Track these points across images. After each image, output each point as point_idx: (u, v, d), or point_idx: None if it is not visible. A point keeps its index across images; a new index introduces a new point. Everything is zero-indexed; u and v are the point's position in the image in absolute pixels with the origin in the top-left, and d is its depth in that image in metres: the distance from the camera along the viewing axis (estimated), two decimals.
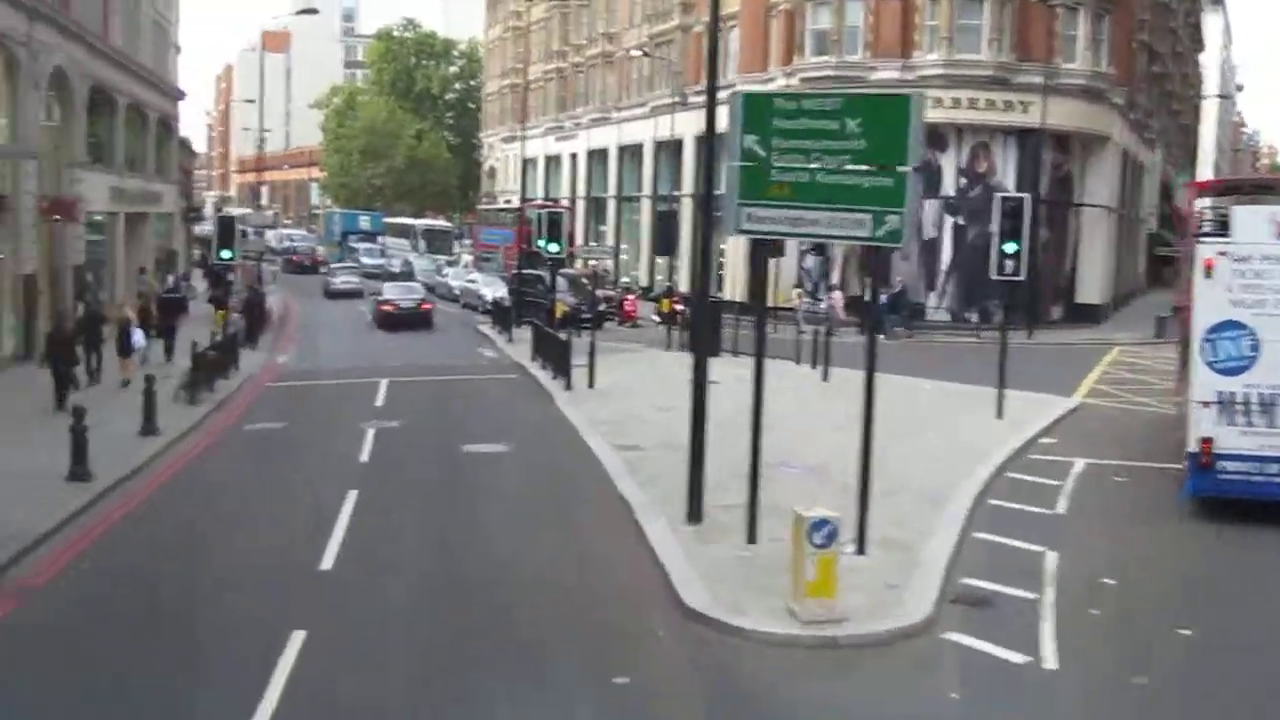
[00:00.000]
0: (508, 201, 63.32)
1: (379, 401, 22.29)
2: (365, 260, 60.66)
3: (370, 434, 19.00)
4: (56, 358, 20.60)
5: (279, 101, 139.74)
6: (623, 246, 53.34)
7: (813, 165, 11.67)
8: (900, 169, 11.32)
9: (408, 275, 53.35)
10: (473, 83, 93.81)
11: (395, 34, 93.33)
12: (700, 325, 16.36)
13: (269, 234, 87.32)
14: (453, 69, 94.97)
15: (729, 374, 18.33)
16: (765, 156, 11.86)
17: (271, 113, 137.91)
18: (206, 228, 50.41)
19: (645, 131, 50.84)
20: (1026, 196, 22.54)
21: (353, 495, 14.78)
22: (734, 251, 43.58)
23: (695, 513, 13.43)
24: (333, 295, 47.46)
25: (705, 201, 14.38)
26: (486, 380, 25.75)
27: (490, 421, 20.56)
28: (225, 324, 26.07)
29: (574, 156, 60.17)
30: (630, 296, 38.38)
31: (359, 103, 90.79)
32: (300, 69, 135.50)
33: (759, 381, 12.43)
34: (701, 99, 18.90)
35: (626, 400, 21.97)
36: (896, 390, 18.90)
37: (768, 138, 11.88)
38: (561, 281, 32.87)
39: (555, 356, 24.59)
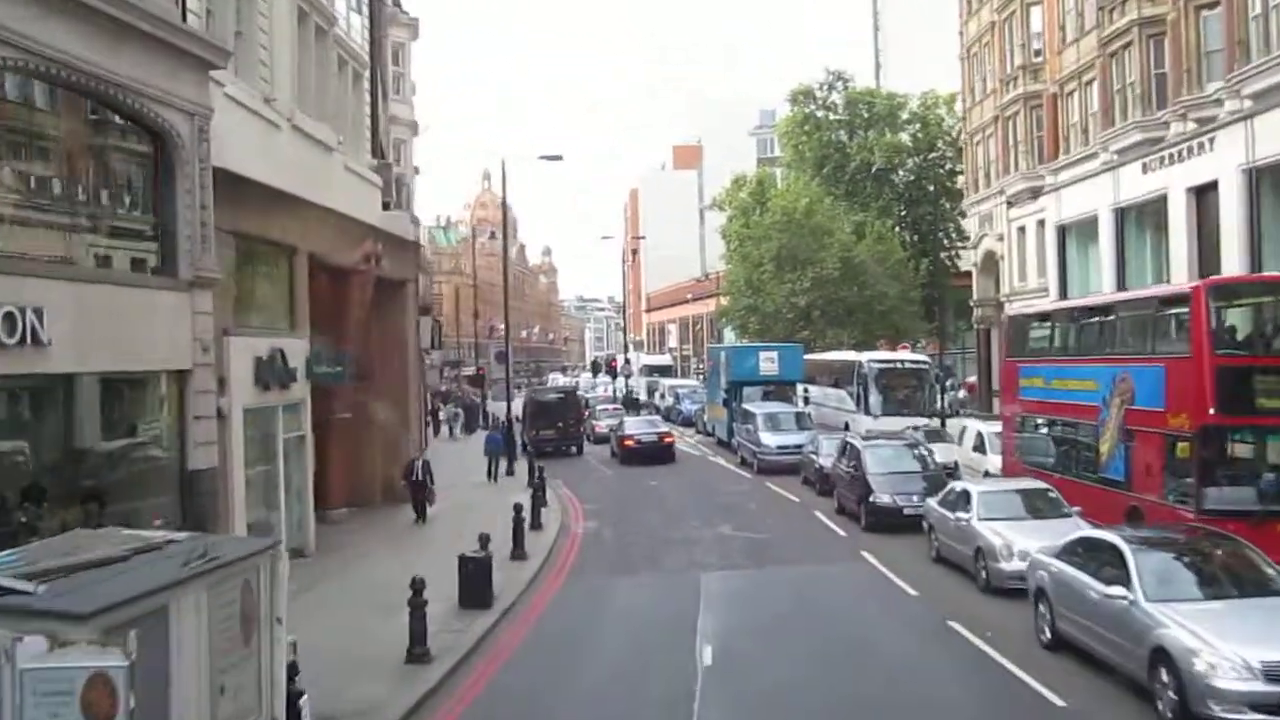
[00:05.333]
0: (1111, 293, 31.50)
1: None
2: (767, 438, 32.05)
3: None
4: None
5: (691, 224, 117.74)
6: None
7: None
8: None
9: (856, 479, 23.79)
10: (931, 155, 63.83)
11: (817, 94, 65.42)
12: None
13: (663, 384, 64.68)
14: (902, 136, 65.00)
15: None
16: None
17: (684, 239, 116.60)
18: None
19: None
20: None
21: None
22: None
23: None
24: (597, 441, 43.68)
25: None
26: None
27: None
28: None
29: (1192, 193, 27.69)
30: None
31: (772, 193, 63.35)
32: (714, 185, 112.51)
33: None
34: None
35: None
36: None
37: None
38: None
39: None
